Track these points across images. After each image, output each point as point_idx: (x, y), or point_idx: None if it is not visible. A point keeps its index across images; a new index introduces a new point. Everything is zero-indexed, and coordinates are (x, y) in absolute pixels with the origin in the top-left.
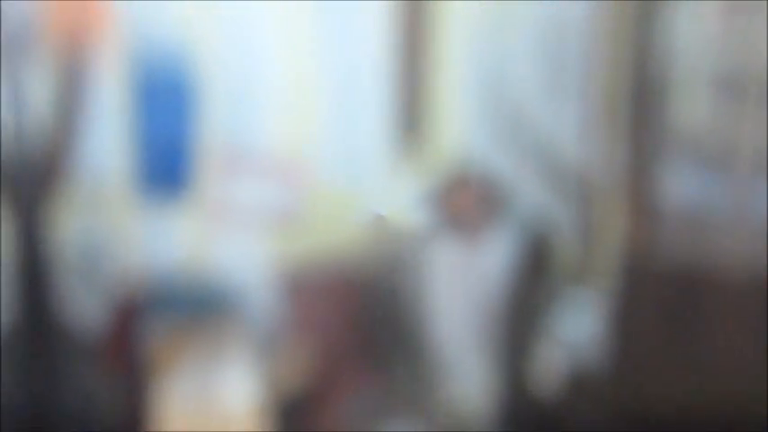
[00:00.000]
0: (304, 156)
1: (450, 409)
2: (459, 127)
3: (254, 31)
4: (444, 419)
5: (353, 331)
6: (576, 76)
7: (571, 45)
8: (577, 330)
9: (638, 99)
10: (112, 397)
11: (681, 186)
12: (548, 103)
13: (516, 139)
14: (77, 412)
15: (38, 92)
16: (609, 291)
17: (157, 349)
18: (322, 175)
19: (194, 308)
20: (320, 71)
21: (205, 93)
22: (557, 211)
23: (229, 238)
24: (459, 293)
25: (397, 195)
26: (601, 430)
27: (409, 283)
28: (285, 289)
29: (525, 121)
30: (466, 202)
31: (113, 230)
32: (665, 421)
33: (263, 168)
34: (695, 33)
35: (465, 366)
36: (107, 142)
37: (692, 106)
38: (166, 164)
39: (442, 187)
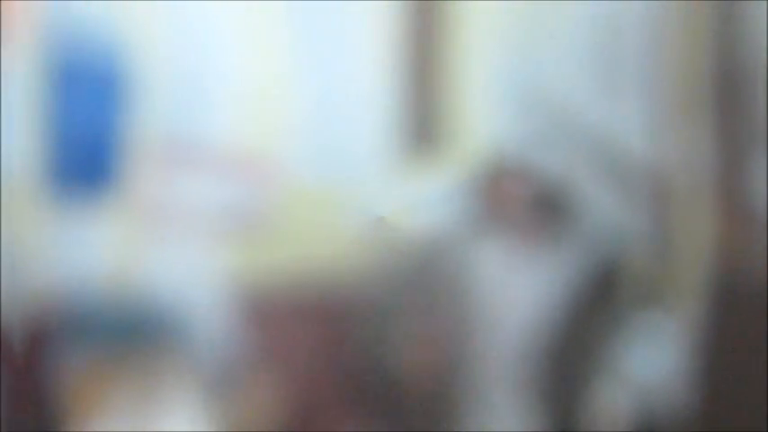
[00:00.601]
0: (275, 149)
1: None
2: (489, 121)
3: (209, 9)
4: None
5: (338, 366)
6: (638, 72)
7: (629, 40)
8: (652, 365)
9: (725, 91)
10: None
11: None
12: (604, 98)
13: (566, 136)
14: None
15: None
16: (694, 315)
17: (77, 385)
18: (299, 171)
19: (125, 334)
20: (299, 56)
21: (145, 78)
22: (627, 218)
23: (172, 247)
24: (496, 315)
25: (401, 196)
26: None
27: (421, 304)
28: (248, 312)
29: (576, 117)
30: (503, 204)
31: (21, 237)
32: None
33: (220, 163)
34: None
35: (500, 409)
36: (16, 133)
37: None
38: (88, 157)
39: (473, 187)
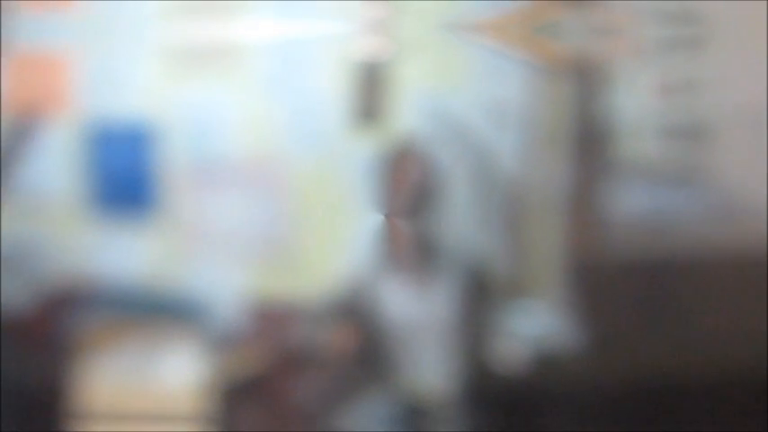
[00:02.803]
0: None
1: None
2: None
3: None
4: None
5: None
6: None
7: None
8: (531, 326)
9: (582, 137)
10: (30, 373)
11: (630, 200)
12: (494, 128)
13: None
14: None
15: None
16: (556, 295)
17: (88, 331)
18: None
19: (141, 308)
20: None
21: (166, 123)
22: (488, 228)
23: (203, 262)
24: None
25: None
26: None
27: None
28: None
29: (468, 138)
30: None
31: (54, 238)
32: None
33: (237, 180)
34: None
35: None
36: (68, 177)
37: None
38: (126, 189)
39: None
